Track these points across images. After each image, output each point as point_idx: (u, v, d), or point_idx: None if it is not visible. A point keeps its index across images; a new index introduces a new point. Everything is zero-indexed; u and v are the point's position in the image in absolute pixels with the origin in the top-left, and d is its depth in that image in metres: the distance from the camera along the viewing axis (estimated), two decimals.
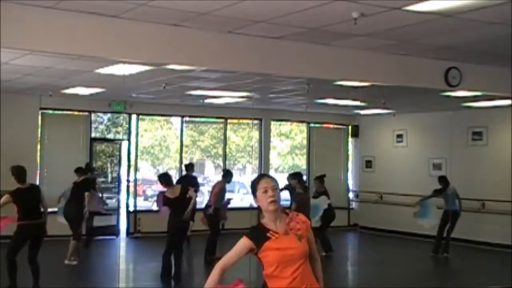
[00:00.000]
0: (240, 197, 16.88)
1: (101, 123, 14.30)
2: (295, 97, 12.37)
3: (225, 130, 15.19)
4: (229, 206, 11.79)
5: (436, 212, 11.97)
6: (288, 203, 10.95)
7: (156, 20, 6.59)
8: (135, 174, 14.70)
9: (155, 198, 11.58)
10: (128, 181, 14.21)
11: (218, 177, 12.68)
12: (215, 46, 7.14)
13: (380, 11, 6.04)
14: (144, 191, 17.55)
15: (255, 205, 3.66)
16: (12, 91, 11.97)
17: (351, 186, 16.72)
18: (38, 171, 12.82)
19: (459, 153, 13.72)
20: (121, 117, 14.09)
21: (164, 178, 9.41)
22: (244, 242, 3.61)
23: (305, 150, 16.28)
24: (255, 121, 15.43)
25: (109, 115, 14.18)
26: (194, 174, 13.10)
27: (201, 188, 13.79)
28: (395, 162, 15.36)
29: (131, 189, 14.37)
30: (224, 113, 14.81)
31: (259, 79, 9.46)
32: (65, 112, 13.53)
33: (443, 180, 11.97)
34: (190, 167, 12.89)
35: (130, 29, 6.58)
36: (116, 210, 14.06)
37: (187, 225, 9.93)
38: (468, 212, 12.68)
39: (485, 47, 7.77)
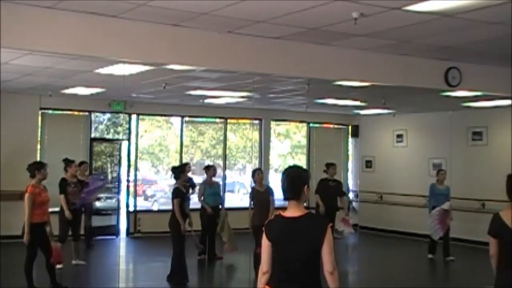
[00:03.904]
0: (240, 197, 16.89)
1: (101, 123, 14.29)
2: (295, 97, 12.36)
3: (225, 130, 15.19)
4: (230, 206, 11.75)
5: None
6: None
7: (156, 20, 6.59)
8: (135, 174, 14.70)
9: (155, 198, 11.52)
10: (128, 181, 14.22)
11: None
12: (215, 46, 7.14)
13: (380, 11, 6.04)
14: (144, 191, 17.57)
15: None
16: (12, 91, 11.98)
17: (351, 186, 16.70)
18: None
19: (459, 153, 13.71)
20: (121, 117, 14.08)
21: None
22: None
23: (305, 150, 16.28)
24: (255, 121, 15.44)
25: (109, 115, 14.17)
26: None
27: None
28: (395, 162, 15.35)
29: (131, 189, 14.39)
30: (224, 113, 14.81)
31: (259, 79, 9.46)
32: (65, 112, 13.53)
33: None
34: None
35: (130, 29, 6.58)
36: (116, 210, 14.06)
37: None
38: (468, 212, 12.71)
39: (485, 47, 7.77)
